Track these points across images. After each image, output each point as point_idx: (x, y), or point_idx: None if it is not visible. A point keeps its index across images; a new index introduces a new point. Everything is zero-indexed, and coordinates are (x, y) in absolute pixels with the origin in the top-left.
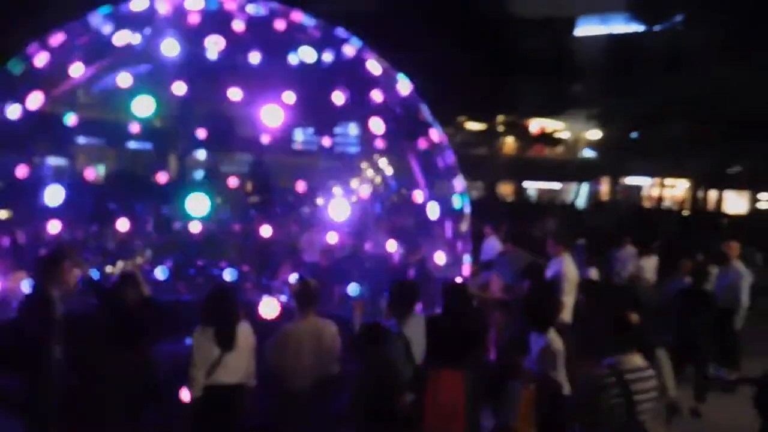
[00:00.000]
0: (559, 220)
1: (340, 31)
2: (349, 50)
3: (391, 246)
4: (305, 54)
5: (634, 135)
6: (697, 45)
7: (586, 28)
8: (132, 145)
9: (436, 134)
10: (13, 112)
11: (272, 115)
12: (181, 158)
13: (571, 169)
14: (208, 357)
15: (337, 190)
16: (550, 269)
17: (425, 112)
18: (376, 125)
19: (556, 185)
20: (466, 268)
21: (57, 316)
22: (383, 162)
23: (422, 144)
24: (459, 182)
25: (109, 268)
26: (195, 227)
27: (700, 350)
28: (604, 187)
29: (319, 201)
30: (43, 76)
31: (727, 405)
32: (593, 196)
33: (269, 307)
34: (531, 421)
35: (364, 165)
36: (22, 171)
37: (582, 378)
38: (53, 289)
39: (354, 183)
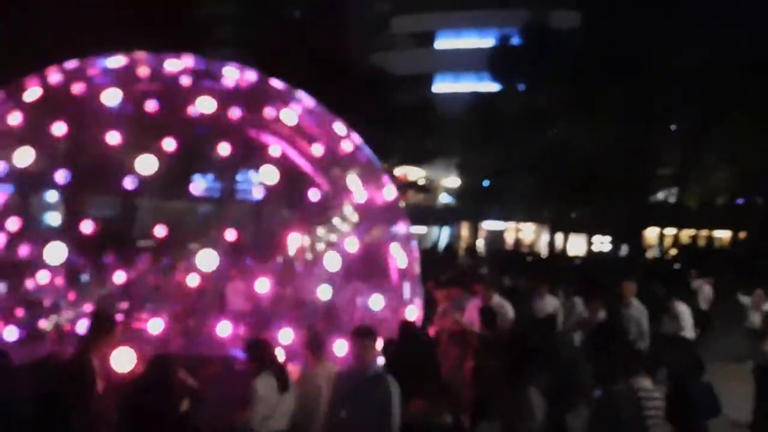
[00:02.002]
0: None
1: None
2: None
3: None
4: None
5: (486, 183)
6: (544, 106)
7: (443, 85)
8: None
9: (385, 180)
10: None
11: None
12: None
13: (434, 214)
14: (269, 404)
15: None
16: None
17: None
18: (354, 181)
19: (421, 229)
20: (413, 311)
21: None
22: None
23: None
24: (403, 225)
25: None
26: (119, 278)
27: None
28: (464, 231)
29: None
30: None
31: None
32: (455, 239)
33: None
34: None
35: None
36: None
37: (600, 396)
38: (95, 358)
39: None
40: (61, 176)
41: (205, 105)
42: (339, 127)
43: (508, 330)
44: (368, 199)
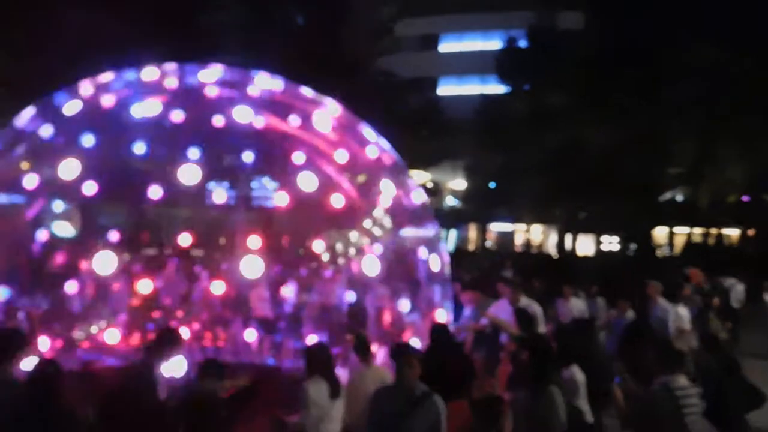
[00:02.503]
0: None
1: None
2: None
3: (349, 296)
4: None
5: (492, 185)
6: (553, 107)
7: (448, 88)
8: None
9: (412, 183)
10: None
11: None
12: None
13: (441, 217)
14: (321, 408)
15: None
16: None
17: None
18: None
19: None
20: (443, 314)
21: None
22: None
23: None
24: (431, 227)
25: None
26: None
27: None
28: (472, 233)
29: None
30: None
31: None
32: (463, 242)
33: None
34: None
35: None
36: None
37: (640, 395)
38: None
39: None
40: (90, 187)
41: (242, 115)
42: (367, 132)
43: (537, 332)
44: (398, 203)
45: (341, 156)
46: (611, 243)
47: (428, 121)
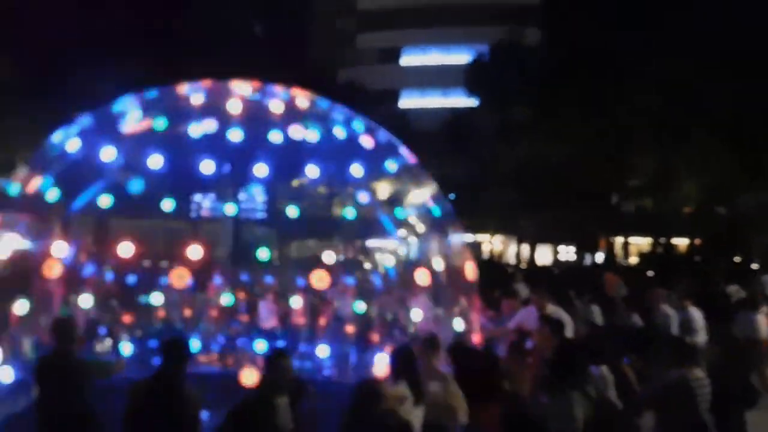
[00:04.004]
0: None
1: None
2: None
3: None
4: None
5: (453, 196)
6: (518, 121)
7: (409, 101)
8: None
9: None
10: None
11: None
12: None
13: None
14: (404, 413)
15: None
16: None
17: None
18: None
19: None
20: (459, 323)
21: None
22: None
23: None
24: (457, 235)
25: None
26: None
27: None
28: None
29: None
30: None
31: None
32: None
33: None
34: None
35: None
36: None
37: (660, 385)
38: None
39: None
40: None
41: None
42: (391, 142)
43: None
44: (421, 212)
45: (357, 169)
46: (567, 252)
47: (391, 133)
